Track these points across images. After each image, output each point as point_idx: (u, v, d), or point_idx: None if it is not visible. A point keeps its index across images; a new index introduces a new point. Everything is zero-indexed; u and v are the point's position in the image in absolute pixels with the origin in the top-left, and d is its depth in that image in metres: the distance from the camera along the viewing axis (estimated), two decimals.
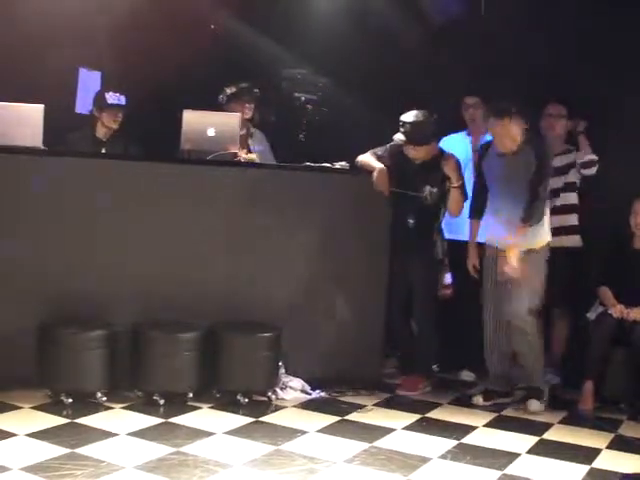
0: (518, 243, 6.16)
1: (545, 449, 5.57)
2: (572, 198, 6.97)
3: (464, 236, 6.96)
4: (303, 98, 7.52)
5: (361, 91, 6.68)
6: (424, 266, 6.65)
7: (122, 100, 7.07)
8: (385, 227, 6.64)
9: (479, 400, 6.46)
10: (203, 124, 6.50)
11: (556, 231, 6.66)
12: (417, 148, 6.49)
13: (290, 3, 8.26)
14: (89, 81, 7.91)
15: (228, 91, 7.28)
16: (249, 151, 7.19)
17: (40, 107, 6.20)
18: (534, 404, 6.35)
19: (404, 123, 6.43)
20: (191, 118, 6.50)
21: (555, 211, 6.75)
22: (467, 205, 6.69)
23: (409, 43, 7.35)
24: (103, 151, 6.95)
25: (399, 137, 6.47)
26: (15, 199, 6.05)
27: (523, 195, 6.16)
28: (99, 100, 7.09)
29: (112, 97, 7.04)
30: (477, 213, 6.55)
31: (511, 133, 6.16)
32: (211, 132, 6.49)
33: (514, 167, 6.23)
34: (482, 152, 6.53)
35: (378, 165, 6.51)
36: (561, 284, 6.74)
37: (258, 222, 6.36)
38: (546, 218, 6.33)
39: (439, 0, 7.72)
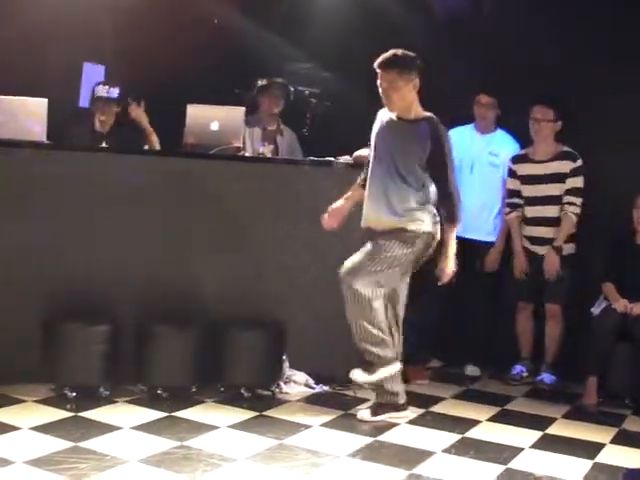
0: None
1: (549, 444, 5.56)
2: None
3: (465, 233, 7.00)
4: (307, 92, 7.52)
5: (365, 85, 6.63)
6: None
7: (113, 93, 7.00)
8: None
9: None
10: (207, 118, 6.50)
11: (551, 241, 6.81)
12: None
13: None
14: (93, 75, 7.89)
15: (259, 83, 7.31)
16: (276, 147, 7.21)
17: (44, 101, 6.21)
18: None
19: None
20: (195, 112, 6.49)
21: (549, 222, 6.83)
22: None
23: (414, 36, 7.32)
24: (104, 144, 6.93)
25: None
26: (18, 194, 6.06)
27: (407, 173, 5.58)
28: (92, 93, 7.09)
29: (101, 90, 7.01)
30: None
31: (400, 89, 5.53)
32: (215, 126, 6.48)
33: (404, 137, 5.62)
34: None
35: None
36: (560, 285, 6.81)
37: (261, 216, 6.36)
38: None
39: None
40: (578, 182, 6.77)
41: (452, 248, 5.62)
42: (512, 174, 6.96)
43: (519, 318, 7.03)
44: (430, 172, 5.58)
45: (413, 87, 5.57)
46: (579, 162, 6.78)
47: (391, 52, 5.54)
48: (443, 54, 7.23)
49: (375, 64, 5.56)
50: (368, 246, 5.66)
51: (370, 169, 5.73)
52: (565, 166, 6.78)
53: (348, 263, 5.67)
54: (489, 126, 7.18)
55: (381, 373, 5.68)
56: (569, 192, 6.77)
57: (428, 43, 7.16)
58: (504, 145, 7.14)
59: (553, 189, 6.82)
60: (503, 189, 7.08)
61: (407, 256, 5.63)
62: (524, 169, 6.92)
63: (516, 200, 6.97)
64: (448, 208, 5.62)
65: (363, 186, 5.85)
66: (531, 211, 6.93)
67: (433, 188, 5.65)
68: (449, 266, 5.63)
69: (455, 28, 7.54)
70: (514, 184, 6.97)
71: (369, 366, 5.69)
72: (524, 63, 7.12)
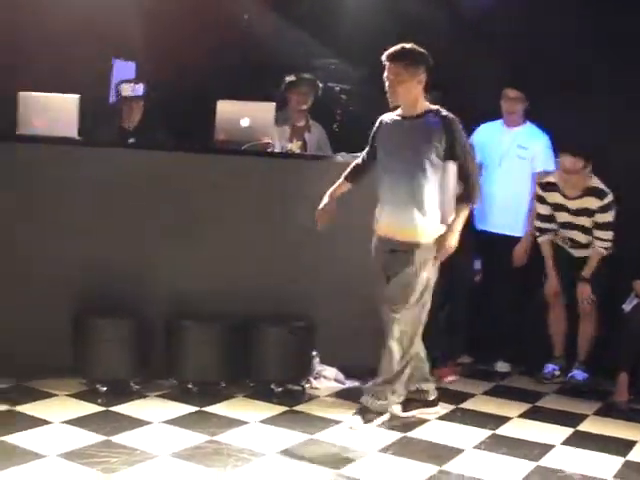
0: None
1: (580, 440, 5.54)
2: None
3: (493, 227, 7.09)
4: (337, 88, 7.50)
5: None
6: (464, 253, 6.74)
7: (137, 90, 7.05)
8: None
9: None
10: (237, 114, 6.50)
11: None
12: None
13: None
14: (124, 72, 7.94)
15: (287, 79, 7.31)
16: (304, 143, 7.22)
17: (75, 97, 6.24)
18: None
19: None
20: (225, 108, 6.49)
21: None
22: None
23: (442, 32, 7.30)
24: (131, 141, 6.96)
25: None
26: (50, 190, 6.10)
27: (419, 166, 5.45)
28: (117, 92, 7.13)
29: (126, 88, 7.05)
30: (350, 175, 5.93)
31: (406, 82, 5.46)
32: (245, 122, 6.49)
33: (412, 133, 5.54)
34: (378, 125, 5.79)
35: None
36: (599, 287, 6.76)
37: (291, 212, 6.34)
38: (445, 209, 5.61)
39: None
40: (607, 217, 6.65)
41: (459, 225, 5.52)
42: (541, 200, 6.89)
43: (551, 316, 6.98)
44: (450, 157, 5.46)
45: (419, 82, 5.49)
46: (608, 198, 6.63)
47: (400, 45, 5.51)
48: (472, 49, 7.20)
49: (383, 56, 5.53)
50: (400, 269, 5.52)
51: (381, 175, 5.63)
52: (594, 202, 6.66)
53: (388, 293, 5.56)
54: (517, 120, 7.14)
55: (400, 383, 5.63)
56: (598, 226, 6.68)
57: (457, 39, 7.16)
58: (533, 138, 7.08)
59: (583, 221, 6.74)
60: (532, 183, 7.03)
61: (436, 267, 5.61)
62: (553, 198, 6.83)
63: (547, 225, 6.89)
64: (466, 188, 5.53)
65: (347, 179, 5.87)
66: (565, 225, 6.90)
67: (450, 182, 5.56)
68: (450, 240, 5.49)
69: (484, 23, 7.51)
70: (545, 210, 6.88)
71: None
72: (555, 55, 7.07)
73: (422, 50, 5.50)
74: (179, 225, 6.28)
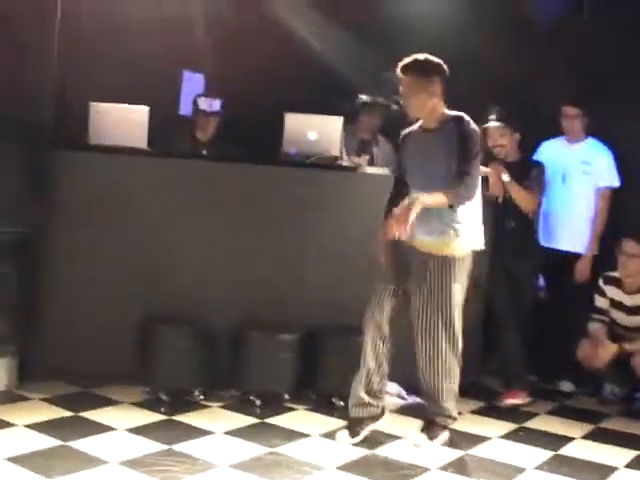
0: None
1: None
2: None
3: (558, 244, 7.03)
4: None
5: (459, 93, 6.62)
6: (530, 270, 6.76)
7: (215, 106, 7.13)
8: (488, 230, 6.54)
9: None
10: (305, 127, 6.53)
11: None
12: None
13: (388, 4, 8.26)
14: (193, 83, 8.03)
15: (362, 99, 7.47)
16: (371, 157, 7.25)
17: (145, 109, 6.33)
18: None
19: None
20: (293, 121, 6.52)
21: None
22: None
23: (511, 50, 7.27)
24: (204, 152, 7.04)
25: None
26: (118, 200, 6.19)
27: (442, 179, 5.25)
28: (194, 104, 7.22)
29: (204, 103, 7.14)
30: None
31: (419, 94, 5.32)
32: (312, 135, 6.51)
33: (432, 146, 5.40)
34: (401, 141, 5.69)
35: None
36: None
37: (356, 225, 6.35)
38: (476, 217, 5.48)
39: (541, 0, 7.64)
40: None
41: (425, 199, 5.09)
42: (602, 293, 6.79)
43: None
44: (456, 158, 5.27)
45: (433, 93, 5.33)
46: None
47: (412, 57, 5.37)
48: (538, 65, 7.17)
49: (397, 69, 5.41)
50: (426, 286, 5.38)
51: (410, 192, 5.43)
52: None
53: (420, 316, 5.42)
54: (578, 136, 7.09)
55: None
56: None
57: (525, 55, 7.13)
58: (596, 153, 7.02)
59: (637, 320, 6.62)
60: (596, 199, 6.97)
61: (463, 284, 5.46)
62: (613, 293, 6.73)
63: (604, 318, 6.75)
64: (455, 185, 5.21)
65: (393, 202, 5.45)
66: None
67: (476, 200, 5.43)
68: (410, 205, 5.03)
69: (551, 39, 7.46)
70: (604, 303, 6.76)
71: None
72: (620, 70, 7.00)
73: (436, 60, 5.36)
74: (245, 234, 6.33)
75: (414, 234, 5.31)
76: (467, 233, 5.39)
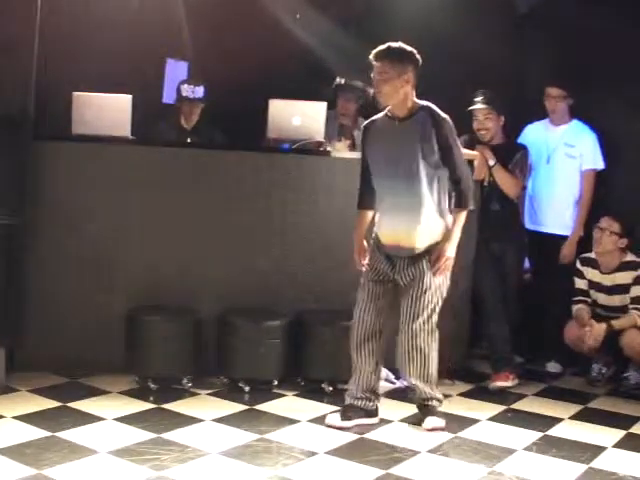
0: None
1: (633, 443, 5.45)
2: None
3: (542, 227, 7.07)
4: None
5: (443, 80, 6.62)
6: (515, 252, 6.78)
7: (198, 92, 7.11)
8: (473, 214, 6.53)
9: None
10: (289, 113, 6.52)
11: None
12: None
13: None
14: (176, 71, 8.00)
15: (337, 81, 7.48)
16: (354, 143, 7.23)
17: (128, 97, 6.29)
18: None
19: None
20: (277, 107, 6.51)
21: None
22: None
23: (495, 34, 7.27)
24: (188, 140, 7.03)
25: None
26: (103, 189, 6.17)
27: (410, 168, 5.27)
28: (177, 91, 7.20)
29: (186, 89, 7.11)
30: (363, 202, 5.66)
31: (391, 81, 5.27)
32: (297, 121, 6.50)
33: (402, 134, 5.35)
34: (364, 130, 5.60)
35: None
36: None
37: (342, 209, 6.34)
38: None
39: None
40: None
41: (457, 234, 5.34)
42: (580, 275, 6.81)
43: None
44: (440, 157, 5.29)
45: (406, 81, 5.28)
46: None
47: (386, 44, 5.32)
48: (521, 48, 7.16)
49: (370, 56, 5.36)
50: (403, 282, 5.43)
51: (377, 183, 5.47)
52: (628, 276, 6.61)
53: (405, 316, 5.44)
54: (562, 118, 7.07)
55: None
56: (634, 300, 6.58)
57: (508, 40, 7.13)
58: (580, 135, 7.02)
59: (617, 300, 6.67)
60: (581, 181, 6.98)
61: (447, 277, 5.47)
62: (591, 274, 6.76)
63: (586, 298, 6.78)
64: (457, 193, 5.35)
65: (365, 208, 5.59)
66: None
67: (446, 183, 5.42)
68: (448, 251, 5.30)
69: (533, 21, 7.45)
70: (583, 284, 6.79)
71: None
72: (604, 51, 6.99)
73: (410, 49, 5.32)
74: (231, 221, 6.33)
75: (384, 232, 5.43)
76: (436, 224, 5.37)
